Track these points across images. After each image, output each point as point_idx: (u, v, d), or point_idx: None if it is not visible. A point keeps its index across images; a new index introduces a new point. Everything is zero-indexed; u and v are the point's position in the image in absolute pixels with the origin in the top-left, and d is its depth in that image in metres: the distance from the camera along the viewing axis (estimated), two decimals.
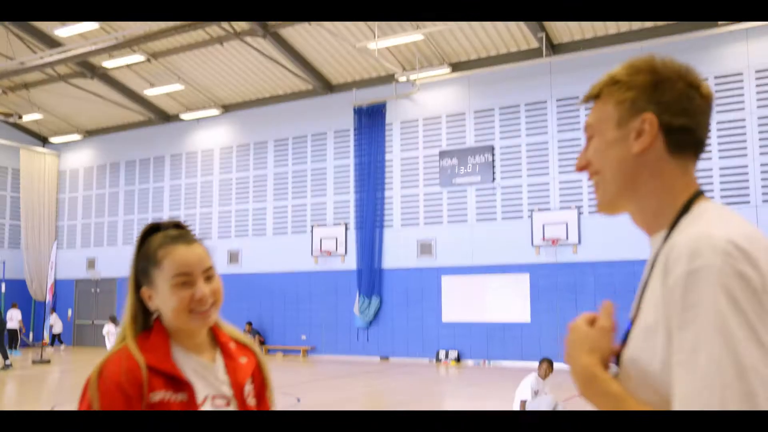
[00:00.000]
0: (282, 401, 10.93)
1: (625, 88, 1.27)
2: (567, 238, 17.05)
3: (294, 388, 12.76)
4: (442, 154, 19.06)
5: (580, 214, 17.07)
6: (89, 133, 25.99)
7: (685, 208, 1.22)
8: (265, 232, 21.73)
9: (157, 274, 1.71)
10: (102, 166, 25.69)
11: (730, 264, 1.05)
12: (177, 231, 1.79)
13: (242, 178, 22.40)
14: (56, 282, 24.15)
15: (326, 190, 20.82)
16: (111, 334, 17.56)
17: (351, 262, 20.00)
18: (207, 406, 1.71)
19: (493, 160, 18.31)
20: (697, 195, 1.25)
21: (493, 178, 18.30)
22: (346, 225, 20.25)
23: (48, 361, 18.29)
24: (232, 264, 22.09)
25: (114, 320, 18.04)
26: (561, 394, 8.84)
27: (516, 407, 8.15)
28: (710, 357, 1.03)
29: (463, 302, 18.02)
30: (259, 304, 21.43)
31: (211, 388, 1.75)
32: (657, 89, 1.24)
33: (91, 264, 25.33)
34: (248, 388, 1.83)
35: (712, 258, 1.06)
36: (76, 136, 25.91)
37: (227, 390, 1.77)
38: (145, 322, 1.77)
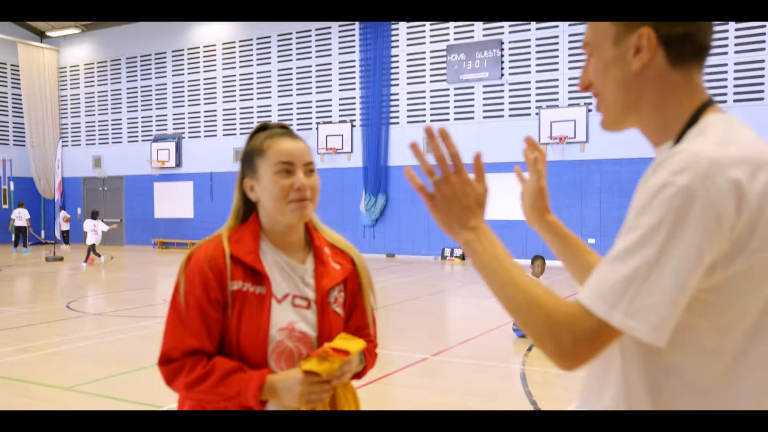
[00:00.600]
0: None
1: None
2: (575, 136, 16.88)
3: None
4: (450, 49, 18.58)
5: (588, 111, 16.81)
6: (87, 27, 25.34)
7: (693, 120, 1.18)
8: None
9: (261, 162, 1.77)
10: (102, 62, 25.20)
11: (706, 190, 1.04)
12: (283, 129, 1.84)
13: (246, 74, 21.99)
14: (64, 180, 24.28)
15: (331, 87, 20.48)
16: (91, 230, 17.17)
17: (357, 160, 19.96)
18: (286, 304, 1.74)
19: (502, 56, 17.87)
20: (705, 105, 1.20)
21: (501, 74, 17.91)
22: (351, 122, 20.05)
23: (61, 258, 18.67)
24: (238, 162, 22.04)
25: (95, 215, 17.53)
26: (557, 292, 9.02)
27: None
28: (639, 261, 1.05)
29: None
30: None
31: (295, 288, 1.77)
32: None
33: (97, 162, 25.37)
34: (335, 296, 1.83)
35: (691, 179, 1.04)
36: (74, 30, 25.28)
37: (310, 293, 1.78)
38: (246, 217, 1.84)
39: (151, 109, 24.11)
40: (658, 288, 1.04)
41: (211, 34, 22.60)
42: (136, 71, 24.35)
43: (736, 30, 15.33)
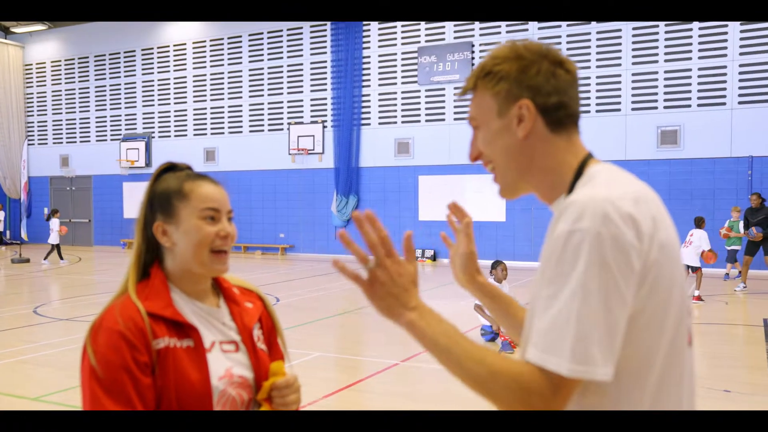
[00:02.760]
0: None
1: (497, 78, 1.34)
2: None
3: (273, 287, 13.06)
4: (421, 51, 18.68)
5: None
6: (54, 24, 24.94)
7: (579, 173, 1.31)
8: (242, 130, 21.48)
9: (183, 206, 1.64)
10: (70, 60, 24.83)
11: (607, 228, 1.14)
12: (195, 172, 1.73)
13: (217, 74, 21.86)
14: (30, 179, 23.90)
15: (303, 87, 20.46)
16: (54, 229, 17.81)
17: (328, 161, 19.98)
18: (216, 353, 1.63)
19: (473, 58, 18.02)
20: (587, 159, 1.33)
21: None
22: (323, 123, 20.06)
23: (27, 260, 18.39)
24: (209, 162, 21.95)
25: (55, 213, 18.41)
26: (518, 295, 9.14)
27: (473, 310, 8.24)
28: (569, 309, 1.13)
29: (440, 201, 18.23)
30: (236, 202, 21.45)
31: (219, 333, 1.67)
32: (526, 74, 1.31)
33: (64, 161, 25.00)
34: (257, 333, 1.75)
35: (592, 221, 1.15)
36: (41, 27, 24.86)
37: (235, 335, 1.69)
38: (146, 269, 1.68)
39: (120, 108, 23.83)
40: (594, 330, 1.12)
41: (182, 32, 22.41)
42: (104, 69, 24.04)
43: (700, 37, 15.67)
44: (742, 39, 15.34)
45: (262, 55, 21.01)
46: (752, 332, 8.67)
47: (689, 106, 15.83)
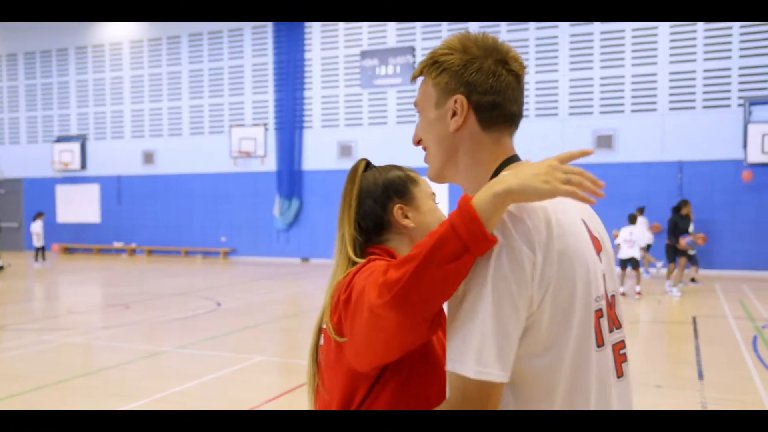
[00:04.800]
0: (202, 305, 11.03)
1: (440, 69, 1.37)
2: None
3: (214, 291, 12.86)
4: (364, 54, 18.73)
5: None
6: None
7: (495, 176, 1.35)
8: (181, 132, 21.09)
9: (417, 190, 1.68)
10: None
11: (504, 238, 1.19)
12: None
13: (155, 74, 21.40)
14: None
15: (244, 89, 20.22)
16: (37, 233, 18.02)
17: (270, 164, 19.80)
18: None
19: (414, 62, 18.16)
20: (507, 161, 1.37)
21: (415, 80, 18.17)
22: (265, 125, 19.87)
23: None
24: (147, 164, 21.48)
25: (40, 216, 18.49)
26: None
27: None
28: (470, 319, 1.19)
29: None
30: (176, 205, 21.08)
31: None
32: (467, 70, 1.34)
33: None
34: None
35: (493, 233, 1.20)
36: None
37: None
38: (361, 251, 1.63)
39: (52, 109, 23.07)
40: (490, 336, 1.17)
41: (118, 31, 21.86)
42: (35, 68, 23.22)
43: (633, 45, 16.20)
44: (671, 47, 15.92)
45: (202, 55, 20.67)
46: (683, 329, 8.99)
47: (623, 111, 16.34)
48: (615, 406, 1.32)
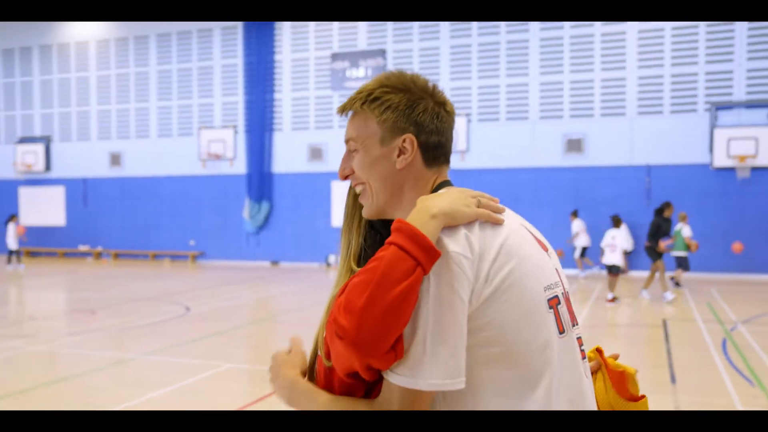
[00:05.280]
0: (170, 310, 10.82)
1: (384, 106, 1.39)
2: (456, 145, 17.38)
3: (183, 295, 12.65)
4: (334, 56, 18.63)
5: (468, 122, 17.37)
6: None
7: None
8: (149, 134, 20.76)
9: None
10: None
11: (444, 249, 1.23)
12: None
13: (122, 74, 21.03)
14: None
15: (213, 91, 19.98)
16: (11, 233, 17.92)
17: (240, 166, 19.59)
18: None
19: (385, 65, 18.12)
20: (441, 185, 1.41)
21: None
22: (235, 128, 19.66)
23: None
24: (114, 166, 21.10)
25: (13, 218, 18.26)
26: None
27: None
28: (415, 330, 1.22)
29: None
30: (143, 208, 20.74)
31: None
32: (414, 110, 1.38)
33: None
34: None
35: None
36: None
37: None
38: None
39: (15, 109, 22.54)
40: (440, 346, 1.19)
41: (84, 30, 21.45)
42: None
43: (603, 49, 16.35)
44: (640, 52, 16.11)
45: (171, 56, 20.38)
46: (654, 332, 9.06)
47: (592, 115, 16.48)
48: (589, 396, 1.37)
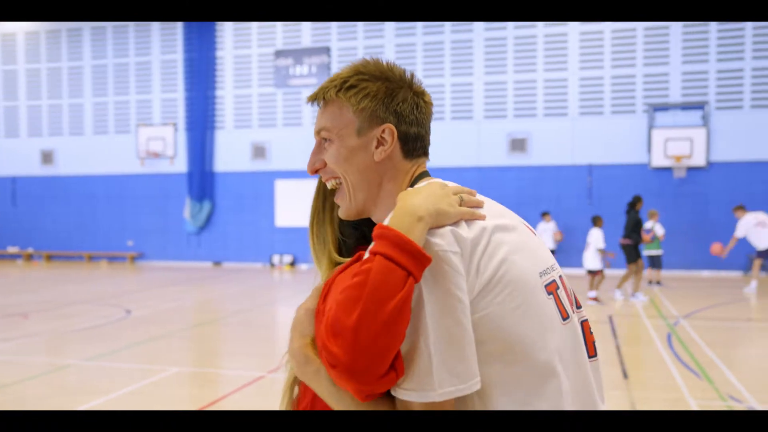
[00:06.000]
0: (110, 313, 10.41)
1: (362, 95, 1.31)
2: None
3: (122, 298, 12.19)
4: (278, 54, 18.34)
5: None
6: None
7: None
8: (84, 131, 19.99)
9: None
10: None
11: (432, 249, 1.16)
12: None
13: (54, 69, 20.19)
14: None
15: (152, 87, 19.39)
16: None
17: (181, 165, 19.08)
18: None
19: (330, 62, 17.95)
20: (420, 176, 1.35)
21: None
22: (175, 125, 19.13)
23: None
24: (46, 165, 20.24)
25: None
26: None
27: None
28: (414, 337, 1.14)
29: (298, 206, 17.96)
30: (78, 208, 19.96)
31: None
32: (393, 99, 1.31)
33: None
34: None
35: None
36: None
37: None
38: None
39: None
40: (446, 353, 1.12)
41: (11, 21, 20.50)
42: None
43: (545, 50, 16.60)
44: (581, 53, 16.42)
45: (106, 50, 19.68)
46: (601, 328, 9.20)
47: (536, 115, 16.71)
48: (593, 383, 1.32)
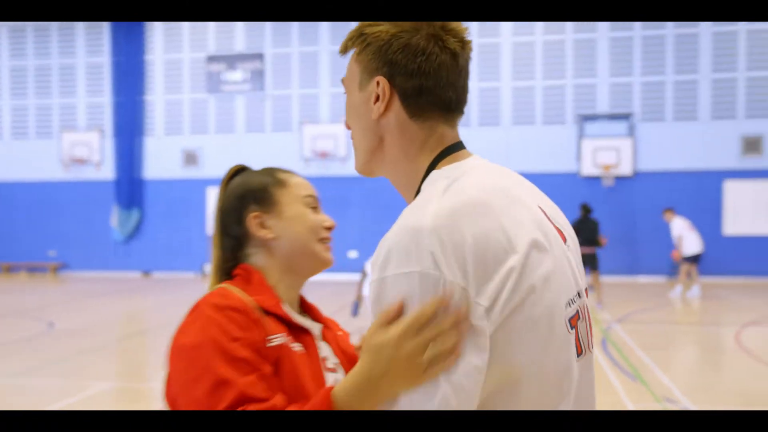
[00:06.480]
0: (31, 326, 9.88)
1: (364, 44, 1.15)
2: (336, 151, 17.25)
3: (45, 310, 11.61)
4: (210, 59, 17.96)
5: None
6: None
7: (427, 174, 1.13)
8: (2, 136, 19.04)
9: (283, 193, 1.48)
10: None
11: (428, 274, 0.96)
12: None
13: None
14: None
15: (77, 91, 18.66)
16: None
17: (108, 172, 18.40)
18: (326, 368, 1.41)
19: (263, 68, 17.70)
20: (445, 152, 1.14)
21: (263, 87, 17.73)
22: (101, 130, 18.45)
23: None
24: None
25: None
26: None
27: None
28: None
29: None
30: None
31: (321, 349, 1.45)
32: (390, 46, 1.11)
33: None
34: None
35: (406, 266, 0.97)
36: None
37: (333, 358, 1.46)
38: (228, 272, 1.48)
39: None
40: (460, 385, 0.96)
41: None
42: None
43: (478, 60, 16.84)
44: (514, 64, 16.73)
45: (26, 51, 18.83)
46: None
47: (470, 125, 16.90)
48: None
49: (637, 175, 16.26)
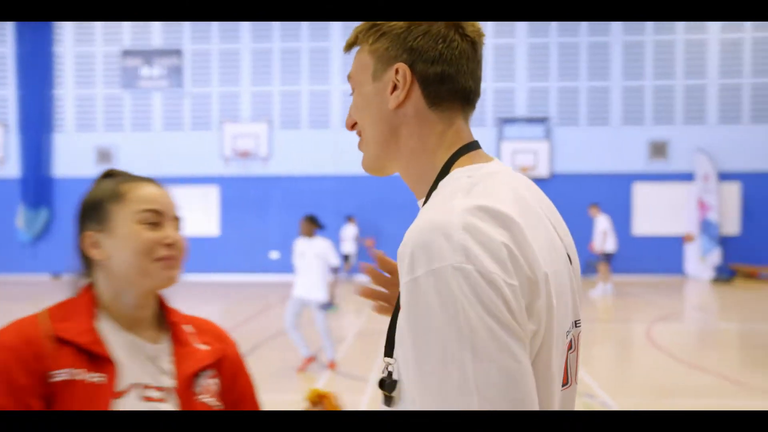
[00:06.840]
0: None
1: (379, 33, 1.11)
2: (258, 151, 17.00)
3: None
4: (125, 53, 17.33)
5: (270, 128, 17.09)
6: None
7: (445, 170, 1.08)
8: None
9: (117, 210, 1.39)
10: None
11: (463, 267, 0.89)
12: (140, 176, 1.49)
13: None
14: None
15: None
16: None
17: (12, 169, 17.46)
18: (131, 398, 1.32)
19: (181, 65, 17.24)
20: (463, 149, 1.10)
21: (182, 84, 17.26)
22: (5, 125, 17.48)
23: None
24: None
25: None
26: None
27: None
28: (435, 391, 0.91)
29: None
30: None
31: (148, 376, 1.36)
32: (410, 33, 1.08)
33: None
34: (204, 383, 1.42)
35: (438, 261, 0.90)
36: None
37: (167, 381, 1.37)
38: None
39: None
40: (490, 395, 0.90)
41: None
42: None
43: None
44: None
45: None
46: None
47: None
48: None
49: (554, 177, 16.79)
